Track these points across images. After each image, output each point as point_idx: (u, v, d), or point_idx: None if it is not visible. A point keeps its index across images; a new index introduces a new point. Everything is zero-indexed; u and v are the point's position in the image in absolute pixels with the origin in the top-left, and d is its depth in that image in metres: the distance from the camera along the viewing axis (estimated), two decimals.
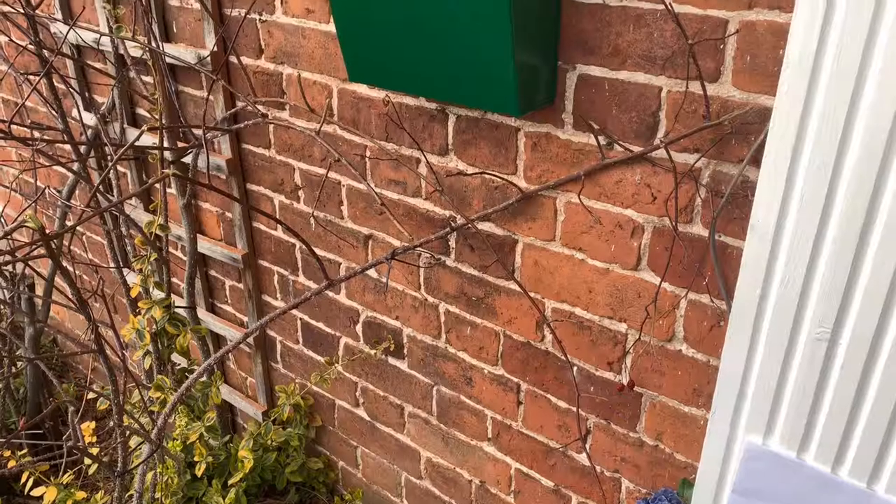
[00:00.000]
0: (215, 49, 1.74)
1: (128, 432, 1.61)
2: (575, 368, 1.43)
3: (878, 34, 0.81)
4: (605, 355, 1.37)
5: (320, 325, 1.95)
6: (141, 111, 2.13)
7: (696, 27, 1.04)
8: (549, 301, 1.41)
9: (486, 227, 1.44)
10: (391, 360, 1.81)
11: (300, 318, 2.00)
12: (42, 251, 1.41)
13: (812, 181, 0.90)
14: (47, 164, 2.33)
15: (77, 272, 2.82)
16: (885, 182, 0.85)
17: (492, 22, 1.08)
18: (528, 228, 1.38)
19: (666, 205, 1.17)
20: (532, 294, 1.43)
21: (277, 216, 1.87)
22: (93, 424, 1.89)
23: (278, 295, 2.03)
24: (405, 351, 1.76)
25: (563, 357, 1.43)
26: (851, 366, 0.92)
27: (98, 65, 2.14)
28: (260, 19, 1.64)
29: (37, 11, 1.79)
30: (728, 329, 1.02)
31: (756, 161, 1.03)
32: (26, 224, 1.21)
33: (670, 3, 1.04)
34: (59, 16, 2.17)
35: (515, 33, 1.08)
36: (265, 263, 2.01)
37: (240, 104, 1.79)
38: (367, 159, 1.59)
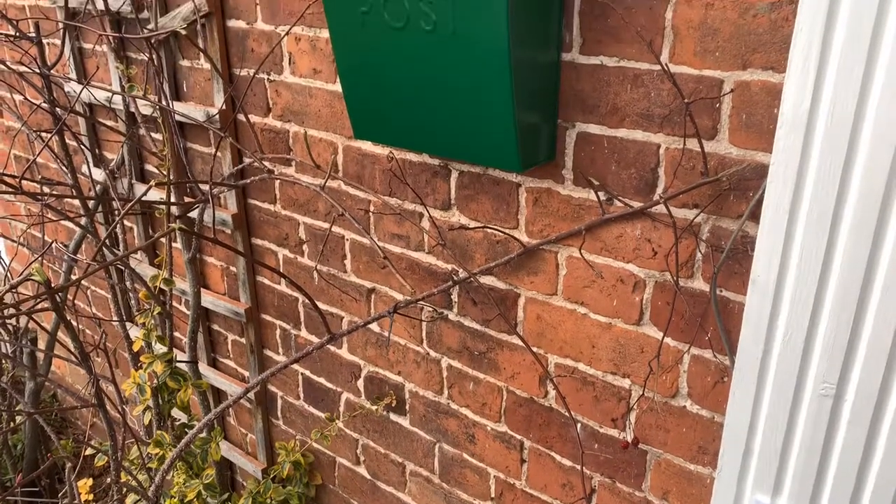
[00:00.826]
0: (224, 107, 1.79)
1: (125, 489, 1.58)
2: (579, 425, 1.41)
3: (870, 93, 0.83)
4: (609, 412, 1.35)
5: (321, 380, 1.94)
6: (149, 167, 2.17)
7: (692, 87, 1.06)
8: (552, 356, 1.40)
9: (488, 280, 1.45)
10: (393, 417, 1.79)
11: (301, 373, 1.99)
12: (46, 304, 1.42)
13: (811, 236, 0.90)
14: (55, 218, 2.36)
15: (80, 326, 2.82)
16: (883, 236, 0.85)
17: (493, 83, 1.11)
18: (531, 282, 1.38)
19: (667, 259, 1.18)
20: (535, 349, 1.42)
21: (281, 270, 1.88)
22: (90, 482, 1.86)
23: (280, 349, 2.02)
24: (407, 407, 1.74)
25: (566, 413, 1.42)
26: (858, 423, 0.91)
27: (109, 122, 2.19)
28: (268, 79, 1.69)
29: (52, 72, 1.85)
30: (732, 385, 1.02)
31: (755, 216, 1.04)
32: (32, 277, 1.22)
33: (666, 64, 1.07)
34: (73, 76, 2.23)
35: (516, 93, 1.11)
36: (268, 317, 2.01)
37: (247, 160, 1.82)
38: (370, 214, 1.61)
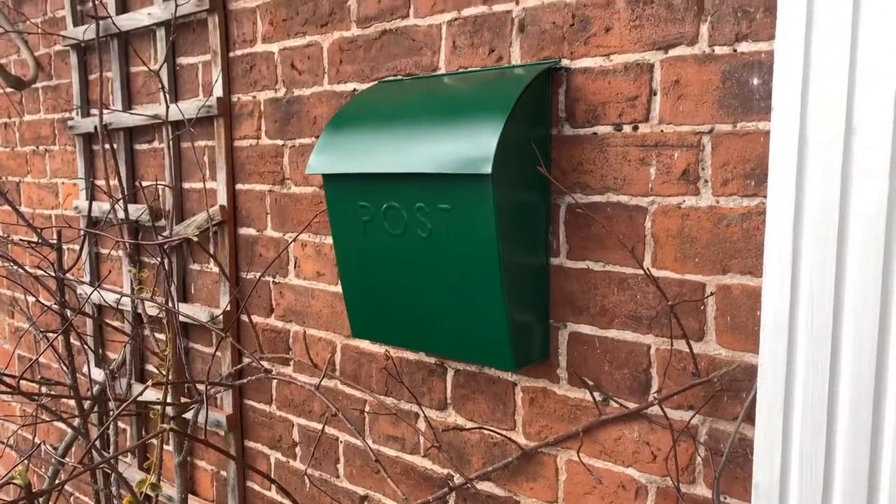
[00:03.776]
0: (228, 308, 1.84)
1: None
2: None
3: (845, 291, 0.86)
4: None
5: None
6: (150, 367, 2.17)
7: (676, 290, 1.11)
8: None
9: (486, 486, 1.39)
10: None
11: None
12: None
13: (809, 438, 0.89)
14: (49, 419, 2.32)
15: None
16: (881, 433, 0.84)
17: (485, 286, 1.16)
18: (530, 489, 1.33)
19: (667, 464, 1.14)
20: None
21: (272, 475, 1.81)
22: None
23: None
24: None
25: None
26: None
27: (115, 323, 2.24)
28: (273, 281, 1.75)
29: (67, 275, 1.93)
30: None
31: (751, 418, 1.03)
32: (13, 481, 1.18)
33: (649, 269, 1.13)
34: (87, 278, 2.32)
35: (507, 296, 1.15)
36: None
37: (246, 360, 1.83)
38: (366, 414, 1.59)
